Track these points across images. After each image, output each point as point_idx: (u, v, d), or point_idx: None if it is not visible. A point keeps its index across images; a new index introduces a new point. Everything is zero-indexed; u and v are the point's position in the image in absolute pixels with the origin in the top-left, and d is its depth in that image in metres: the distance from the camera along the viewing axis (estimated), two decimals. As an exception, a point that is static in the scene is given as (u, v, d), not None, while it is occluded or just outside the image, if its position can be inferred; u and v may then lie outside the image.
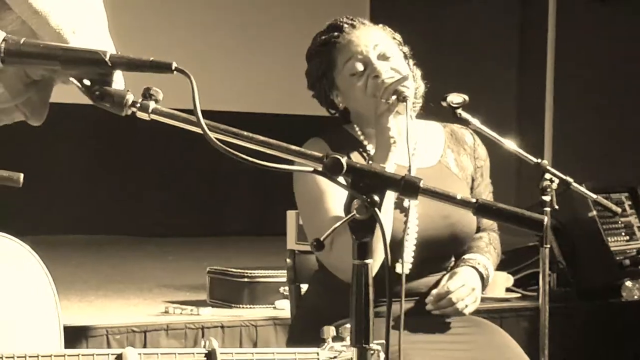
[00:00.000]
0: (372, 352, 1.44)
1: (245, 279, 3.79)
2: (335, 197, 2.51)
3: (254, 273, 3.79)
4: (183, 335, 3.38)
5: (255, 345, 3.41)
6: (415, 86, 2.63)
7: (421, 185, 1.34)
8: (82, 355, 1.57)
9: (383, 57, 2.56)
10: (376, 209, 1.34)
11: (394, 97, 2.46)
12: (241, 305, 3.75)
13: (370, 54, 2.56)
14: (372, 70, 2.54)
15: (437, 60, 6.97)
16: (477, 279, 2.59)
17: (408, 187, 1.34)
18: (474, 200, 1.37)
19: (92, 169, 6.60)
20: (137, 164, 6.78)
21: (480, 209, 1.34)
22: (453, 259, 2.69)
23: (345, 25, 2.61)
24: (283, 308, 3.62)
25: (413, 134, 2.61)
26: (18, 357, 1.49)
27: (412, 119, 2.66)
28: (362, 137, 2.62)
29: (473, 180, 2.72)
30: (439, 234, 2.56)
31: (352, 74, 2.55)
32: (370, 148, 2.58)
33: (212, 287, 3.90)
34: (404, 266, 2.51)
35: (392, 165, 2.44)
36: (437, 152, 2.70)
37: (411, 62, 2.67)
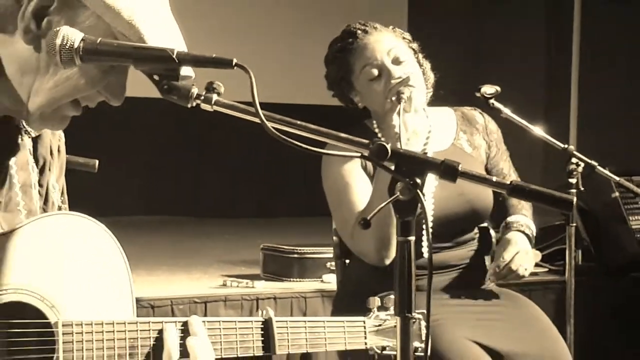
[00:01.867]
0: (414, 320, 1.43)
1: (296, 255, 3.79)
2: (359, 190, 2.51)
3: (304, 250, 3.80)
4: (239, 305, 3.40)
5: (304, 314, 3.42)
6: (425, 78, 2.62)
7: (460, 168, 1.33)
8: (152, 322, 1.59)
9: (396, 61, 2.56)
10: (418, 191, 1.33)
11: (394, 98, 2.47)
12: (291, 279, 3.75)
13: (385, 60, 2.55)
14: (389, 76, 2.53)
15: (471, 53, 6.93)
16: (527, 242, 2.60)
17: (447, 170, 1.34)
18: (508, 182, 1.35)
19: (160, 157, 6.65)
20: (200, 154, 6.82)
21: (514, 190, 1.32)
22: (476, 230, 2.68)
23: (359, 32, 2.60)
24: (330, 281, 3.62)
25: (426, 122, 2.60)
26: (96, 323, 1.52)
27: (425, 110, 2.66)
28: (380, 135, 2.62)
29: (488, 156, 2.73)
30: (457, 211, 2.55)
31: (371, 80, 2.55)
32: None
33: (266, 263, 3.91)
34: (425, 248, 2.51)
35: None
36: (450, 135, 2.70)
37: (420, 55, 2.66)
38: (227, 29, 6.67)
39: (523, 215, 2.66)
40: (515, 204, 2.69)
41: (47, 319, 1.48)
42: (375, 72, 2.54)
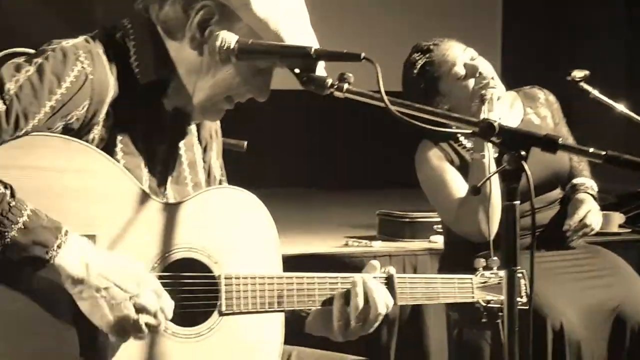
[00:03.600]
0: (519, 274, 1.41)
1: (407, 219, 3.78)
2: (453, 182, 2.50)
3: (414, 214, 3.78)
4: (361, 262, 3.41)
5: (415, 270, 3.40)
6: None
7: (559, 141, 1.29)
8: (296, 277, 1.66)
9: (472, 58, 2.54)
10: (523, 162, 1.31)
11: (477, 101, 2.45)
12: (404, 239, 3.74)
13: (466, 59, 2.54)
14: (473, 69, 2.52)
15: (555, 35, 6.64)
16: (594, 202, 2.58)
17: (549, 142, 1.30)
18: (603, 152, 1.31)
19: (293, 139, 6.73)
20: (329, 137, 6.86)
21: (609, 160, 1.27)
22: (559, 190, 2.64)
23: (431, 46, 2.58)
24: (436, 241, 3.59)
25: (499, 108, 2.54)
26: (251, 277, 1.57)
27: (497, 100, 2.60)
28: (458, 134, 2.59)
29: (555, 123, 2.68)
30: (540, 175, 2.50)
31: (458, 78, 2.51)
32: (462, 139, 2.55)
33: (381, 225, 3.90)
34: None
35: (488, 152, 2.39)
36: (519, 113, 2.68)
37: None
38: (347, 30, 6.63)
39: (586, 177, 2.64)
40: (576, 166, 2.67)
41: (212, 272, 1.53)
42: (463, 70, 2.52)
